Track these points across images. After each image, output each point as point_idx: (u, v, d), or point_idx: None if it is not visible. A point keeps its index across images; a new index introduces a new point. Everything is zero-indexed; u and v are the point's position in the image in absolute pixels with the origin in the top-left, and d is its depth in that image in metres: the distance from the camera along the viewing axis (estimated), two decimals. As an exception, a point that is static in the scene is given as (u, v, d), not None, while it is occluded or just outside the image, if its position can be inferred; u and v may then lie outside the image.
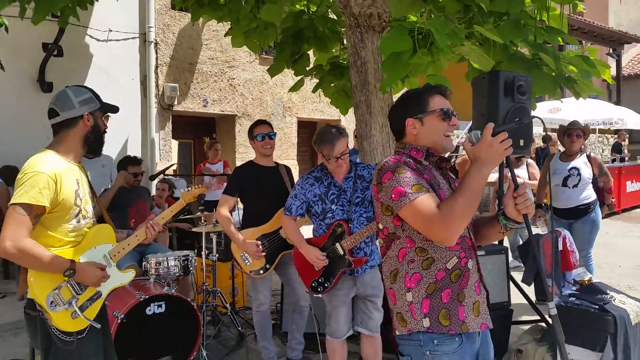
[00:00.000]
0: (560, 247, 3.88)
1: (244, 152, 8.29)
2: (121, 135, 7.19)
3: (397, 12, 4.61)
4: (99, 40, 6.86)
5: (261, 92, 8.65)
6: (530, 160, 6.01)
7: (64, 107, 2.20)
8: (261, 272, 3.54)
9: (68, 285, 2.15)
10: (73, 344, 2.14)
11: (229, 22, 5.64)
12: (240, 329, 4.40)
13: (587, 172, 4.73)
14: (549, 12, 4.78)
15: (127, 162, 4.68)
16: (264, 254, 3.46)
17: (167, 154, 7.66)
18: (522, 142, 4.23)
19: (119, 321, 3.46)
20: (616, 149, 14.53)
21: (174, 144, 7.80)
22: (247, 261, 3.54)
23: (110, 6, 6.52)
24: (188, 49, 7.79)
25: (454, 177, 2.03)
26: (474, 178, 1.69)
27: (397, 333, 1.87)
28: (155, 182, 6.39)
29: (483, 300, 1.88)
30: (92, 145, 2.28)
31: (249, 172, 3.65)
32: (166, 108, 7.55)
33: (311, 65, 5.65)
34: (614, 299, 3.22)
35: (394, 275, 1.87)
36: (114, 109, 2.37)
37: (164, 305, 3.68)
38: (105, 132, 2.34)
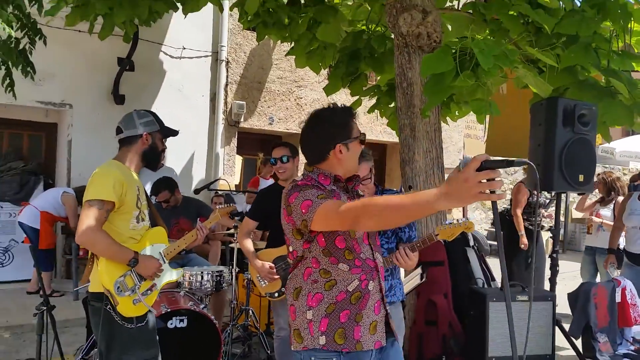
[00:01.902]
0: (619, 299, 3.38)
1: (306, 172, 8.27)
2: (188, 150, 7.42)
3: (455, 34, 4.37)
4: (172, 57, 7.17)
5: (328, 113, 8.61)
6: (620, 198, 5.40)
7: (127, 126, 2.61)
8: (276, 294, 3.40)
9: (131, 274, 2.47)
10: (138, 330, 2.47)
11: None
12: (269, 352, 4.27)
13: (671, 214, 4.15)
14: (632, 35, 4.32)
15: (154, 190, 4.68)
16: (277, 277, 3.33)
17: (230, 169, 7.80)
18: (581, 178, 3.77)
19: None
20: None
21: (238, 159, 7.94)
22: (262, 282, 3.43)
23: (185, 25, 6.80)
24: (258, 68, 7.94)
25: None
26: (421, 202, 1.46)
27: (292, 348, 1.96)
28: (211, 196, 6.50)
29: (381, 320, 1.94)
30: (149, 160, 2.67)
31: (271, 194, 3.58)
32: (233, 125, 7.72)
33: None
34: (680, 368, 2.72)
35: (297, 292, 1.93)
36: (173, 133, 2.77)
37: (185, 320, 3.65)
38: (164, 150, 2.75)
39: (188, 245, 2.85)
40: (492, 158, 1.36)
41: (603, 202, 5.61)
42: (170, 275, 2.75)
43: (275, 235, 3.55)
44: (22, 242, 6.13)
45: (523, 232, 5.48)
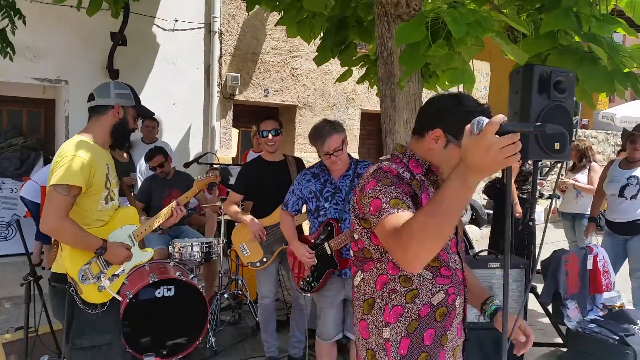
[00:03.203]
0: (590, 266, 3.43)
1: (303, 143, 8.30)
2: (184, 124, 7.47)
3: (438, 1, 4.32)
4: (165, 29, 7.16)
5: (324, 83, 8.59)
6: (594, 164, 5.41)
7: (100, 94, 2.47)
8: (258, 264, 3.51)
9: (97, 261, 2.38)
10: (96, 316, 2.37)
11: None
12: (257, 318, 4.42)
13: (650, 181, 4.15)
14: (617, -1, 4.24)
15: (147, 157, 4.77)
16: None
17: (226, 142, 7.86)
18: (557, 146, 3.80)
19: (127, 300, 3.61)
20: None
21: (234, 132, 7.98)
22: (245, 252, 3.53)
23: (177, -3, 6.78)
24: (252, 39, 7.90)
25: None
26: (452, 189, 1.26)
27: None
28: (207, 169, 6.58)
29: (460, 346, 1.66)
30: (118, 137, 2.52)
31: (255, 168, 3.65)
32: (228, 97, 7.74)
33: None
34: (644, 330, 2.80)
35: (369, 305, 1.60)
36: (149, 113, 2.64)
37: (173, 289, 3.78)
38: (134, 130, 2.60)
39: (163, 224, 2.73)
40: (506, 119, 1.21)
41: (575, 168, 5.63)
42: (140, 257, 2.62)
43: (259, 206, 3.64)
44: (24, 216, 6.29)
45: (517, 200, 5.52)
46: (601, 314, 3.04)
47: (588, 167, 5.33)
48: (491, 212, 6.82)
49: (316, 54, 5.34)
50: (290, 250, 3.13)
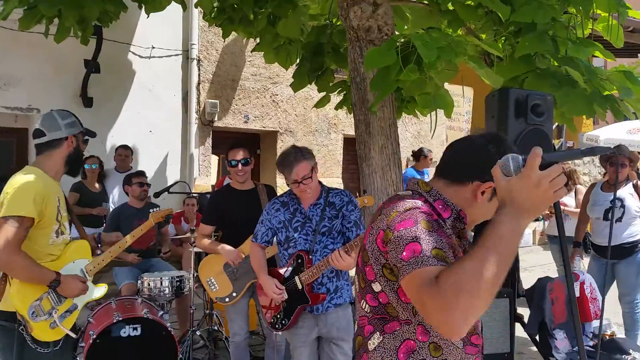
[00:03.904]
0: (577, 294, 3.30)
1: (284, 169, 8.17)
2: (161, 151, 7.31)
3: (415, 26, 4.28)
4: (141, 57, 7.05)
5: (305, 109, 8.51)
6: (580, 187, 5.35)
7: (50, 128, 2.39)
8: (227, 299, 3.33)
9: (49, 296, 2.28)
10: (48, 356, 2.27)
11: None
12: (232, 357, 4.20)
13: (634, 203, 4.09)
14: (598, 21, 4.22)
15: (130, 176, 4.70)
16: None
17: (206, 169, 7.71)
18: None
19: (90, 341, 3.40)
20: None
21: (214, 159, 7.84)
22: (213, 287, 3.36)
23: (154, 23, 6.66)
24: (231, 66, 7.83)
25: None
26: (504, 233, 1.10)
27: None
28: (184, 199, 6.41)
29: None
30: (73, 165, 2.49)
31: (224, 197, 3.51)
32: (206, 124, 7.62)
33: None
34: (634, 362, 2.66)
35: None
36: (92, 134, 2.60)
37: (139, 329, 3.57)
38: (83, 154, 2.58)
39: (120, 257, 2.67)
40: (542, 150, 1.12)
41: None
42: (94, 292, 2.53)
43: (229, 236, 3.48)
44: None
45: None
46: (591, 343, 2.91)
47: (574, 190, 5.28)
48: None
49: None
50: (260, 285, 2.96)
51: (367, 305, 1.41)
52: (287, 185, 2.90)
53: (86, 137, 2.54)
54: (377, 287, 1.36)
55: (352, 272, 3.16)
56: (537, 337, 3.25)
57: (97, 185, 5.87)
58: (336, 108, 5.57)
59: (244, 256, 3.30)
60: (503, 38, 3.96)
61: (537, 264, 8.07)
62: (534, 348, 4.00)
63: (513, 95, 3.37)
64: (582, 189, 5.34)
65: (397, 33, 3.71)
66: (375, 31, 3.60)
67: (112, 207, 5.66)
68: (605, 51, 3.69)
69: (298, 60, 5.41)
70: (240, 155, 3.43)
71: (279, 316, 2.85)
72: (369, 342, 1.39)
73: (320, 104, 5.57)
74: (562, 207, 5.28)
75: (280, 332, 2.91)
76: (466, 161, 1.42)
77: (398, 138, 3.80)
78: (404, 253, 1.22)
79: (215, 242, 3.49)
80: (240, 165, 3.41)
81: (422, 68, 3.04)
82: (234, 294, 3.33)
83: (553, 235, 5.60)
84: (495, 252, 1.09)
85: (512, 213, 1.12)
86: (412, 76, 2.95)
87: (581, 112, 3.71)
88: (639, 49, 9.74)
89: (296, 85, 5.37)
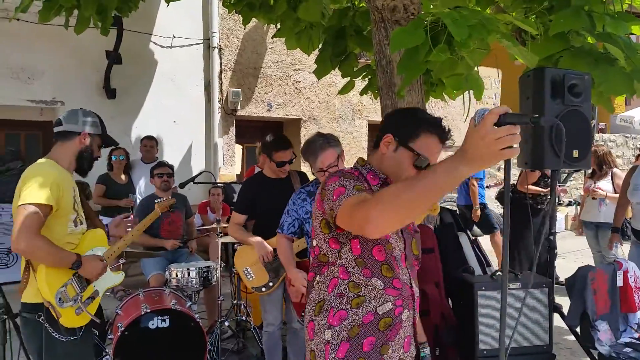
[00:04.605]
0: (620, 283, 3.14)
1: (308, 157, 8.09)
2: (185, 141, 7.30)
3: (443, 5, 4.10)
4: (162, 47, 7.02)
5: (328, 95, 8.39)
6: (617, 170, 5.12)
7: (68, 120, 2.46)
8: (263, 289, 3.26)
9: (72, 283, 2.34)
10: (73, 344, 2.32)
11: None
12: (262, 346, 4.17)
13: (678, 187, 3.87)
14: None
15: (153, 168, 4.67)
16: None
17: (230, 158, 7.67)
18: (575, 154, 3.50)
19: (119, 333, 3.39)
20: None
21: (238, 148, 7.80)
22: (249, 276, 3.30)
23: (174, 12, 6.63)
24: (252, 53, 7.74)
25: None
26: (438, 170, 1.27)
27: None
28: (209, 189, 6.37)
29: None
30: (82, 164, 2.50)
31: (257, 185, 3.43)
32: (229, 113, 7.56)
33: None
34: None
35: (320, 306, 1.65)
36: (114, 143, 2.65)
37: (167, 320, 3.55)
38: (97, 158, 2.58)
39: (158, 244, 2.67)
40: (510, 110, 1.21)
41: (595, 176, 5.35)
42: (112, 279, 2.60)
43: (262, 226, 3.41)
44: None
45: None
46: (636, 335, 2.77)
47: (610, 174, 5.06)
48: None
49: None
50: (289, 277, 2.89)
51: (310, 259, 1.78)
52: (312, 174, 2.80)
53: (105, 144, 2.58)
54: (315, 242, 1.69)
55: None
56: (578, 329, 3.11)
57: (123, 176, 5.88)
58: (361, 93, 5.42)
59: (272, 254, 3.23)
60: (534, 16, 3.78)
61: (570, 250, 7.85)
62: (570, 337, 3.86)
63: (549, 75, 3.19)
64: (620, 173, 5.12)
65: (423, 12, 3.55)
66: (401, 10, 3.46)
67: (138, 198, 5.66)
68: (646, 26, 3.47)
69: (320, 46, 5.29)
70: (288, 156, 3.33)
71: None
72: (313, 283, 1.72)
73: (345, 90, 5.43)
74: (599, 191, 5.08)
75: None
76: (379, 127, 1.74)
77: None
78: (334, 196, 1.54)
79: (248, 232, 3.43)
80: (287, 165, 3.34)
81: (452, 47, 2.90)
82: (270, 284, 3.26)
83: (588, 221, 5.41)
84: (421, 181, 1.28)
85: (456, 156, 1.26)
86: (442, 56, 2.81)
87: (621, 92, 3.50)
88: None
89: (320, 72, 5.25)
